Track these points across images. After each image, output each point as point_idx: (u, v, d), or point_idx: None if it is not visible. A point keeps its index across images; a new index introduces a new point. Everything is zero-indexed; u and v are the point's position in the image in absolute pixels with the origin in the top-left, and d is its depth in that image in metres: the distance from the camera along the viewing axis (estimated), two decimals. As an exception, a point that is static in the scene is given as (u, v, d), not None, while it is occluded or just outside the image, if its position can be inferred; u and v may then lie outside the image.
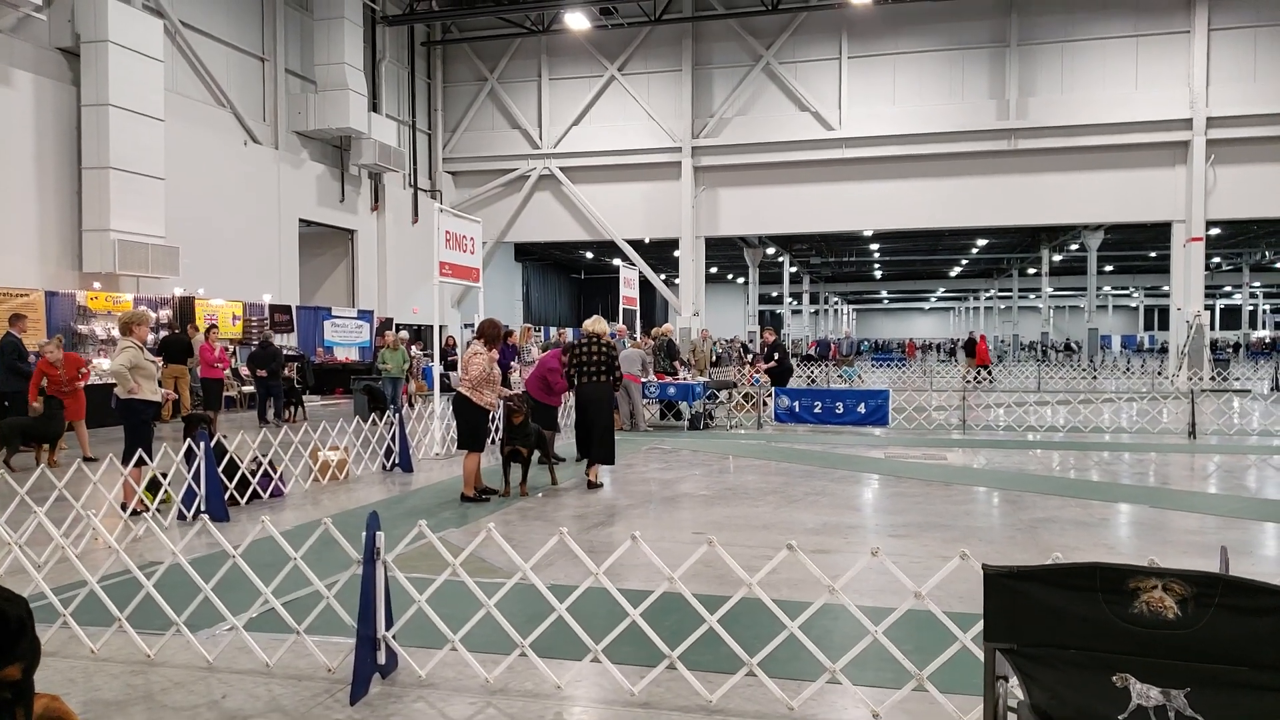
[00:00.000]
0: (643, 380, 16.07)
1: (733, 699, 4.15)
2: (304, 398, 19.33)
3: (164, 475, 8.71)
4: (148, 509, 8.24)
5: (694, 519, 8.45)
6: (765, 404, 17.45)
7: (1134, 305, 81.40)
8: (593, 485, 10.21)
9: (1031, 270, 58.91)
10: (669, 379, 17.21)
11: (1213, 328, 60.71)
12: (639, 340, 18.03)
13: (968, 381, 28.27)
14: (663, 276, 34.08)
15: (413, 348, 18.45)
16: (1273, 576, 3.88)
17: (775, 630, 4.23)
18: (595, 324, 10.47)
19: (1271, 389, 25.31)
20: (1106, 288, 69.09)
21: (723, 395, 18.47)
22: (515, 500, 9.43)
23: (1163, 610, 2.10)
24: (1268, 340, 59.52)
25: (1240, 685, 2.06)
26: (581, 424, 10.52)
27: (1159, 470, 11.42)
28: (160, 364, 15.25)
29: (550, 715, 4.06)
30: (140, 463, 8.27)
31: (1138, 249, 50.54)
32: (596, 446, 10.29)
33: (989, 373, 30.05)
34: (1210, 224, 27.79)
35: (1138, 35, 26.75)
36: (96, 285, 18.05)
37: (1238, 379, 28.08)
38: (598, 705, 4.20)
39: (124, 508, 8.18)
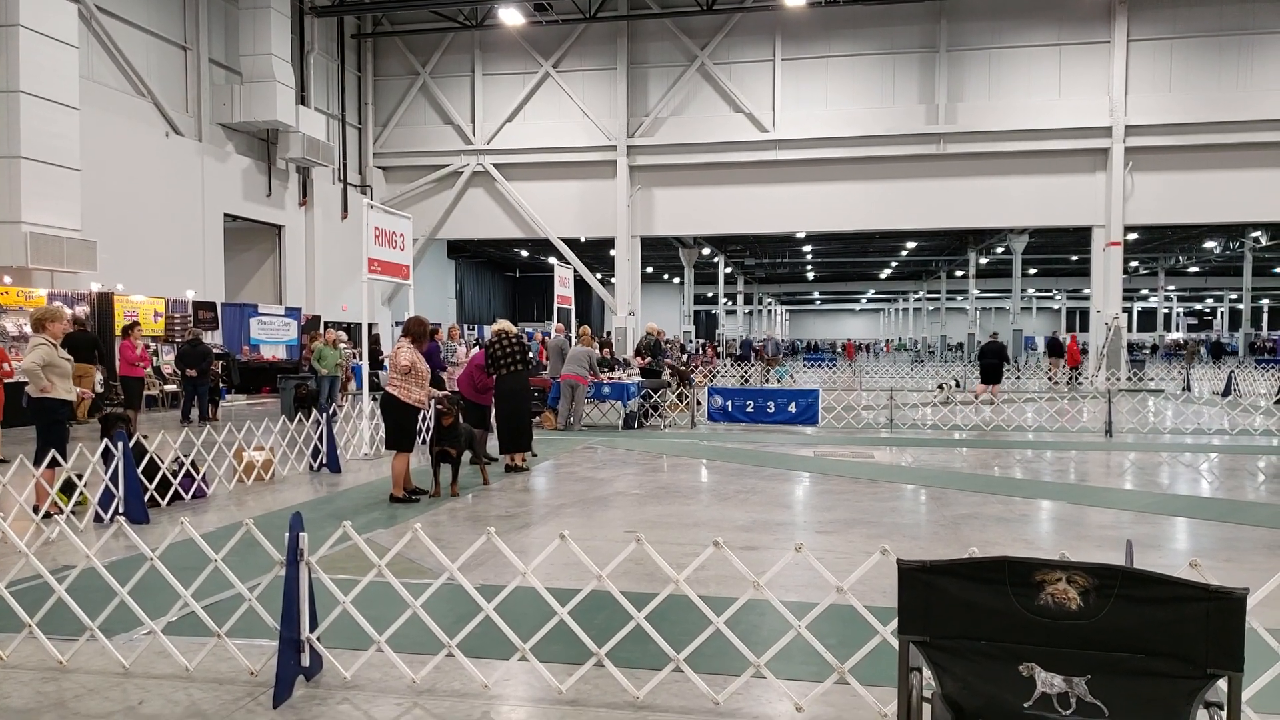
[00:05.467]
0: (589, 380, 15.95)
1: (660, 695, 4.19)
2: (229, 396, 18.88)
3: (79, 476, 8.43)
4: (61, 511, 7.97)
5: (625, 518, 8.47)
6: (698, 403, 17.58)
7: (1056, 307, 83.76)
8: (518, 469, 11.07)
9: (959, 273, 60.34)
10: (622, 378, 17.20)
11: (1130, 329, 62.85)
12: (589, 338, 17.70)
13: (1055, 382, 28.37)
14: (599, 276, 34.10)
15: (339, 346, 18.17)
16: (1179, 569, 4.05)
17: (702, 626, 4.27)
18: (503, 324, 11.38)
19: (1183, 389, 26.33)
20: (1030, 290, 70.98)
21: (656, 395, 18.52)
22: (445, 501, 9.35)
23: (1066, 602, 2.18)
24: (1181, 341, 61.90)
25: (1137, 672, 2.15)
26: (504, 413, 11.19)
27: (1077, 467, 11.80)
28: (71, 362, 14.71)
29: (478, 714, 4.05)
30: (54, 463, 7.99)
31: (1060, 253, 52.07)
32: (519, 432, 11.13)
33: (1078, 373, 29.15)
34: (1128, 229, 28.83)
35: (1060, 44, 27.59)
36: (7, 280, 17.36)
37: (1152, 379, 29.10)
38: (526, 704, 4.19)
39: (36, 510, 7.91)
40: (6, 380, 12.06)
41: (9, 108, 17.12)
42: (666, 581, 4.22)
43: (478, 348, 14.79)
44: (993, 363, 22.10)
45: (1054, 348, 31.01)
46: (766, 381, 27.54)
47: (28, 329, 16.28)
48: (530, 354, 11.56)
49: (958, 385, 25.76)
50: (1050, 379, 29.45)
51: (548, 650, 4.45)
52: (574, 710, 4.08)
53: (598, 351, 16.22)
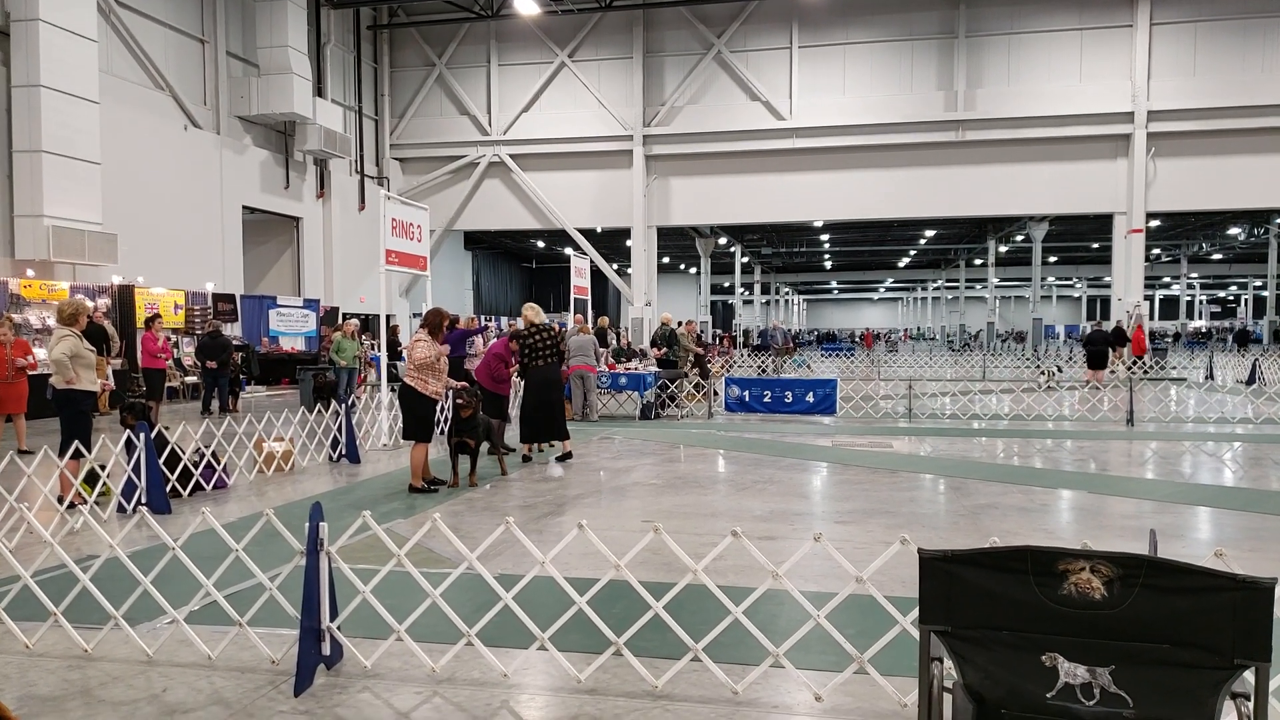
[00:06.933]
0: (598, 369, 16.00)
1: (678, 684, 4.18)
2: (249, 388, 19.00)
3: (102, 467, 8.51)
4: (85, 501, 8.05)
5: (643, 508, 8.47)
6: (715, 393, 17.55)
7: (1077, 295, 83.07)
8: (568, 456, 11.28)
9: (978, 261, 59.93)
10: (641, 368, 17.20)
11: (1152, 318, 62.32)
12: (586, 327, 17.79)
13: (1112, 371, 27.65)
14: (615, 266, 34.06)
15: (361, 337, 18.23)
16: (1203, 559, 4.00)
17: (720, 616, 4.26)
18: (536, 314, 11.36)
19: (1206, 377, 26.05)
20: (1050, 278, 70.39)
21: (673, 385, 18.50)
22: (464, 491, 9.38)
23: (1090, 591, 2.16)
24: (1203, 330, 61.29)
25: (1162, 662, 2.13)
26: (539, 404, 11.17)
27: (1098, 457, 11.70)
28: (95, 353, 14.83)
29: (497, 703, 4.06)
30: (77, 454, 8.07)
31: (1081, 240, 51.58)
32: (551, 422, 11.18)
33: (1144, 364, 27.55)
34: (1150, 216, 28.51)
35: (1082, 29, 27.28)
36: (30, 273, 17.53)
37: (1174, 368, 28.81)
38: (545, 693, 4.20)
39: (61, 500, 7.99)
40: (30, 372, 12.17)
41: (30, 102, 17.25)
42: (685, 571, 4.22)
43: (496, 336, 14.83)
44: (1100, 349, 23.39)
45: (1117, 337, 30.50)
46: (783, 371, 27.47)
47: (51, 321, 16.45)
48: (562, 344, 11.72)
49: (1060, 370, 25.77)
50: (1112, 370, 28.86)
51: (566, 639, 4.46)
52: (593, 699, 4.08)
53: (594, 340, 16.22)
